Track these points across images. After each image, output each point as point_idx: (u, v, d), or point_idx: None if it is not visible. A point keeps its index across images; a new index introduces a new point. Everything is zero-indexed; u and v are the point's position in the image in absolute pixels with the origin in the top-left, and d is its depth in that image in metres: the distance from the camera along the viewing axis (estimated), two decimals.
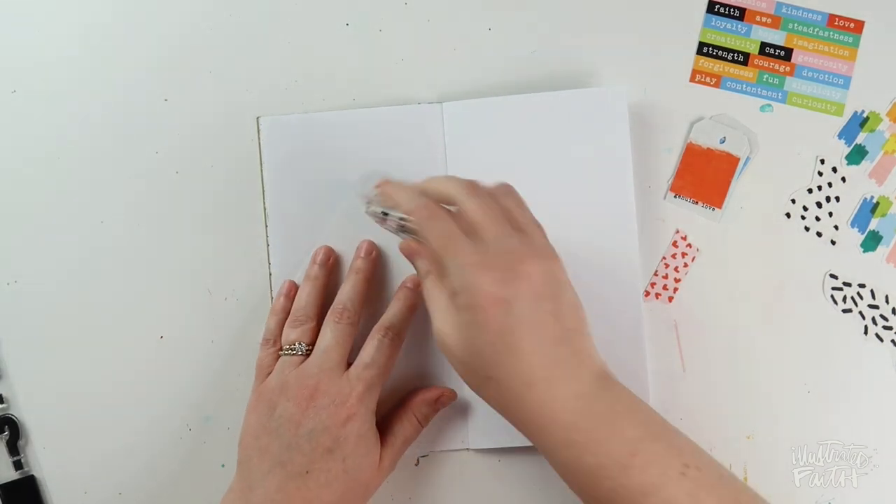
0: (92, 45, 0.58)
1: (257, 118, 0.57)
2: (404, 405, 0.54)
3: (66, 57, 0.58)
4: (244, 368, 0.57)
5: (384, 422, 0.53)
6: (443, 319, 0.46)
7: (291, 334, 0.52)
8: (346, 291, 0.53)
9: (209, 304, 0.57)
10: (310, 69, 0.58)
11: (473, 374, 0.46)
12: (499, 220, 0.46)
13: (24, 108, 0.58)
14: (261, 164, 0.57)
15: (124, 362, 0.57)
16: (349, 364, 0.51)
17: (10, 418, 0.56)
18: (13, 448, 0.56)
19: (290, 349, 0.52)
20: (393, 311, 0.53)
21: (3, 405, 0.57)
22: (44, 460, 0.57)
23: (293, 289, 0.55)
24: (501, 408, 0.46)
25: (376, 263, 0.55)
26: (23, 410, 0.57)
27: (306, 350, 0.52)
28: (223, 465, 0.56)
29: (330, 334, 0.51)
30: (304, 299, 0.54)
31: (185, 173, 0.58)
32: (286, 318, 0.54)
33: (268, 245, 0.57)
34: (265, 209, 0.57)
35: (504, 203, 0.48)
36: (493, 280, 0.44)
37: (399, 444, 0.52)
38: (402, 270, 0.56)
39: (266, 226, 0.57)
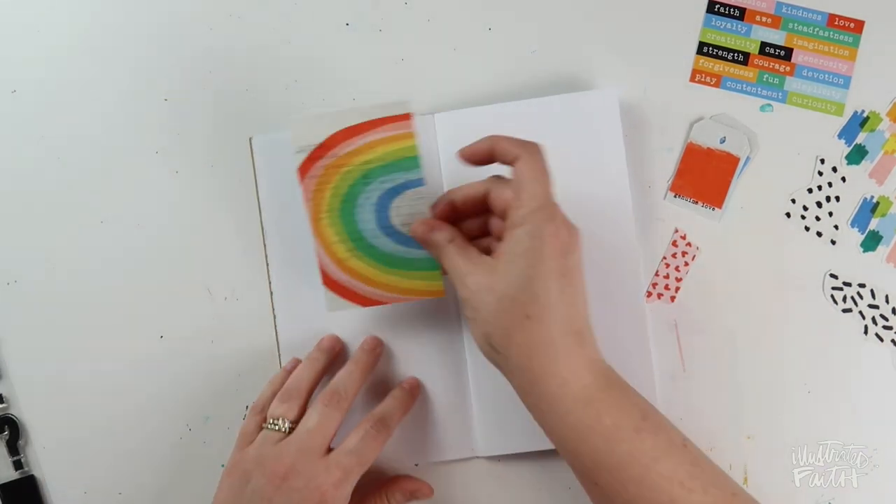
0: (92, 45, 0.58)
1: (250, 138, 0.57)
2: (380, 488, 0.53)
3: (66, 57, 0.58)
4: (244, 368, 0.57)
5: (358, 502, 0.52)
6: (485, 264, 0.47)
7: (278, 409, 0.51)
8: (343, 377, 0.52)
9: (209, 304, 0.57)
10: (310, 69, 0.58)
11: (513, 312, 0.45)
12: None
13: (24, 108, 0.58)
14: (255, 182, 0.57)
15: (124, 362, 0.57)
16: (331, 449, 0.50)
17: (10, 418, 0.57)
18: (13, 448, 0.56)
19: (274, 424, 0.50)
20: (386, 405, 0.53)
21: (3, 405, 0.57)
22: (44, 460, 0.57)
23: (296, 366, 0.54)
24: (527, 355, 0.46)
25: (378, 358, 0.55)
26: (23, 410, 0.57)
27: (289, 427, 0.50)
28: (223, 466, 0.56)
29: (316, 416, 0.50)
30: (298, 376, 0.53)
31: (185, 173, 0.58)
32: None
33: (266, 256, 0.57)
34: (262, 225, 0.57)
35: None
36: (560, 227, 0.46)
37: None
38: (404, 368, 0.56)
39: (264, 244, 0.57)
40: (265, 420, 0.51)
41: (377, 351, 0.55)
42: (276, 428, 0.50)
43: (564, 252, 0.45)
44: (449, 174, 0.56)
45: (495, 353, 0.47)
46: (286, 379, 0.53)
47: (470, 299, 0.47)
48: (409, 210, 0.52)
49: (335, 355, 0.55)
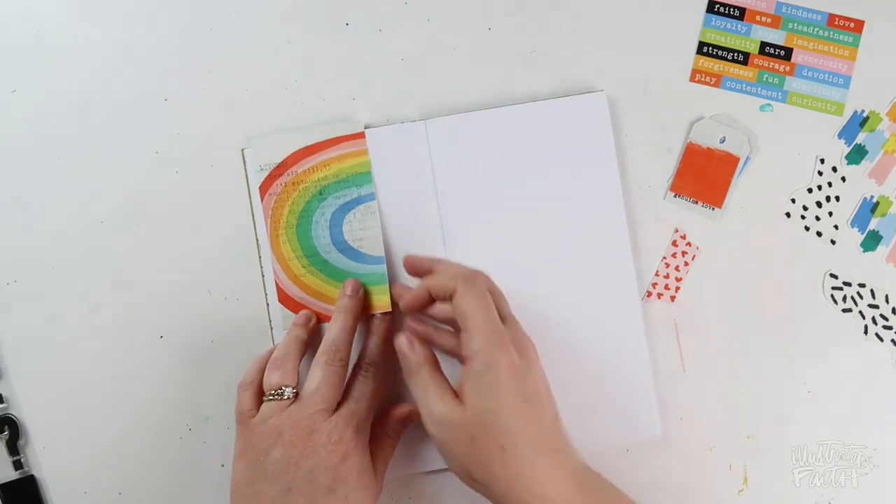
0: (92, 45, 0.58)
1: (242, 150, 0.57)
2: (376, 428, 0.53)
3: (66, 57, 0.58)
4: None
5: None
6: (450, 404, 0.48)
7: (274, 377, 0.51)
8: (336, 332, 0.52)
9: (209, 304, 0.57)
10: (309, 69, 0.58)
11: (487, 446, 0.46)
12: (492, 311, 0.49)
13: (24, 108, 0.58)
14: (249, 194, 0.57)
15: (124, 362, 0.57)
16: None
17: (10, 418, 0.57)
18: (13, 448, 0.56)
19: (276, 393, 0.50)
20: (371, 346, 0.54)
21: (3, 405, 0.57)
22: (44, 460, 0.57)
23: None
24: (510, 483, 0.46)
25: (362, 301, 0.55)
26: (23, 410, 0.57)
27: (293, 393, 0.50)
28: (223, 465, 0.57)
29: (322, 374, 0.50)
30: (284, 348, 0.53)
31: (185, 173, 0.58)
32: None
33: (261, 266, 0.57)
34: (256, 236, 0.57)
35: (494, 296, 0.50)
36: (511, 352, 0.48)
37: (382, 468, 0.53)
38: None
39: (259, 255, 0.57)
40: (263, 394, 0.51)
41: (360, 293, 0.55)
42: (280, 397, 0.50)
43: (522, 376, 0.47)
44: (442, 181, 0.56)
45: (478, 485, 0.48)
46: (269, 356, 0.53)
47: (440, 438, 0.48)
48: (360, 225, 0.55)
49: (312, 329, 0.55)
